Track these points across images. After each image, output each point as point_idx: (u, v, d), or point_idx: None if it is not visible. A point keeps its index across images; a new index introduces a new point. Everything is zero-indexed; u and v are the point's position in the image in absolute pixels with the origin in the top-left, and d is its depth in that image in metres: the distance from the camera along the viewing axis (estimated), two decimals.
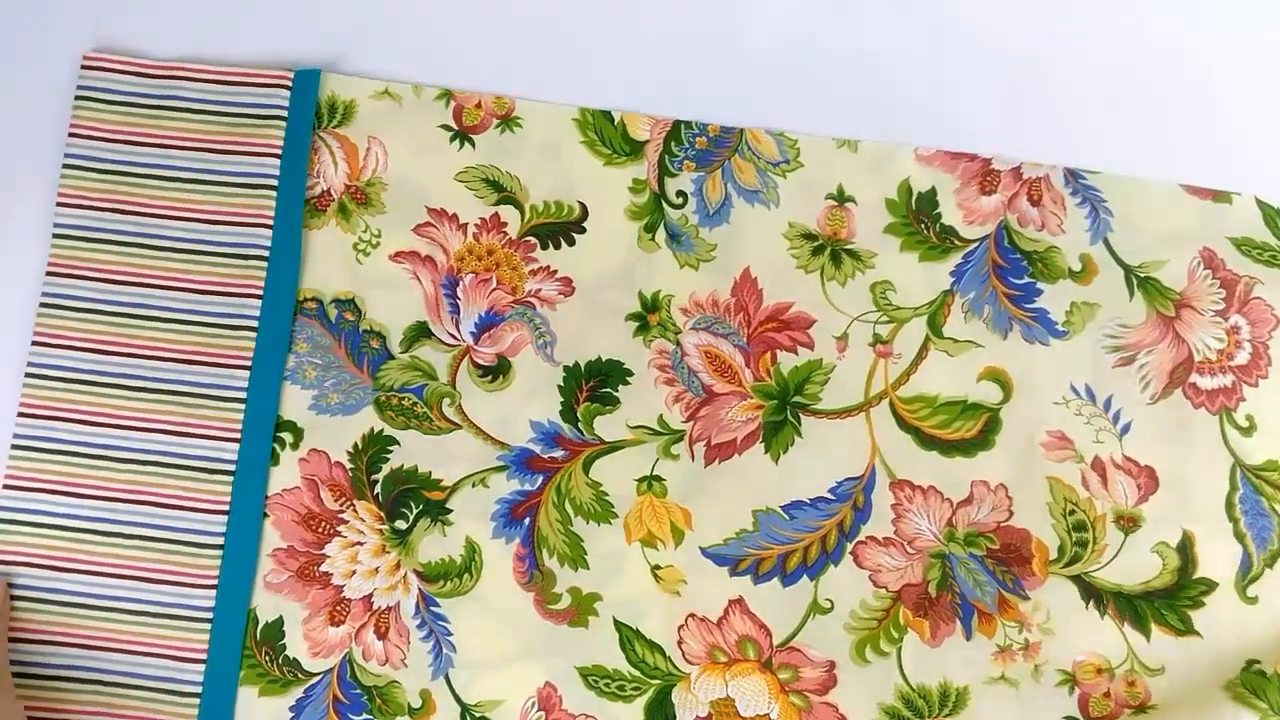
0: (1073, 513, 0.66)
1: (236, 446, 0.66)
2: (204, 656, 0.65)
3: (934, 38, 0.72)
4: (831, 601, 0.66)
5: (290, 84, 0.69)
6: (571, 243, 0.69)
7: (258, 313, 0.68)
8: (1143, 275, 0.68)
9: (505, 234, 0.69)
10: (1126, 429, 0.67)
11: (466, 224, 0.69)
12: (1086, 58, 0.72)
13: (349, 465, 0.67)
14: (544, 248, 0.69)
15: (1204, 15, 0.73)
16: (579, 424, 0.68)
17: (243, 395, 0.67)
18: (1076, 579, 0.65)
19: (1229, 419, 0.67)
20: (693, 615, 0.66)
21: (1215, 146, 0.71)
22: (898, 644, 0.65)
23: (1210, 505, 0.67)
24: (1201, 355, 0.67)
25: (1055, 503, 0.66)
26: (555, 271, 0.69)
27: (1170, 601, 0.65)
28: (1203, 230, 0.69)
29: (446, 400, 0.68)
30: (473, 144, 0.70)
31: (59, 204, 0.68)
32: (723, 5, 0.72)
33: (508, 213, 0.69)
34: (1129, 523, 0.66)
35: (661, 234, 0.69)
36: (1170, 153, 0.71)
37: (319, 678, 0.65)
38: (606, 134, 0.70)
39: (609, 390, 0.68)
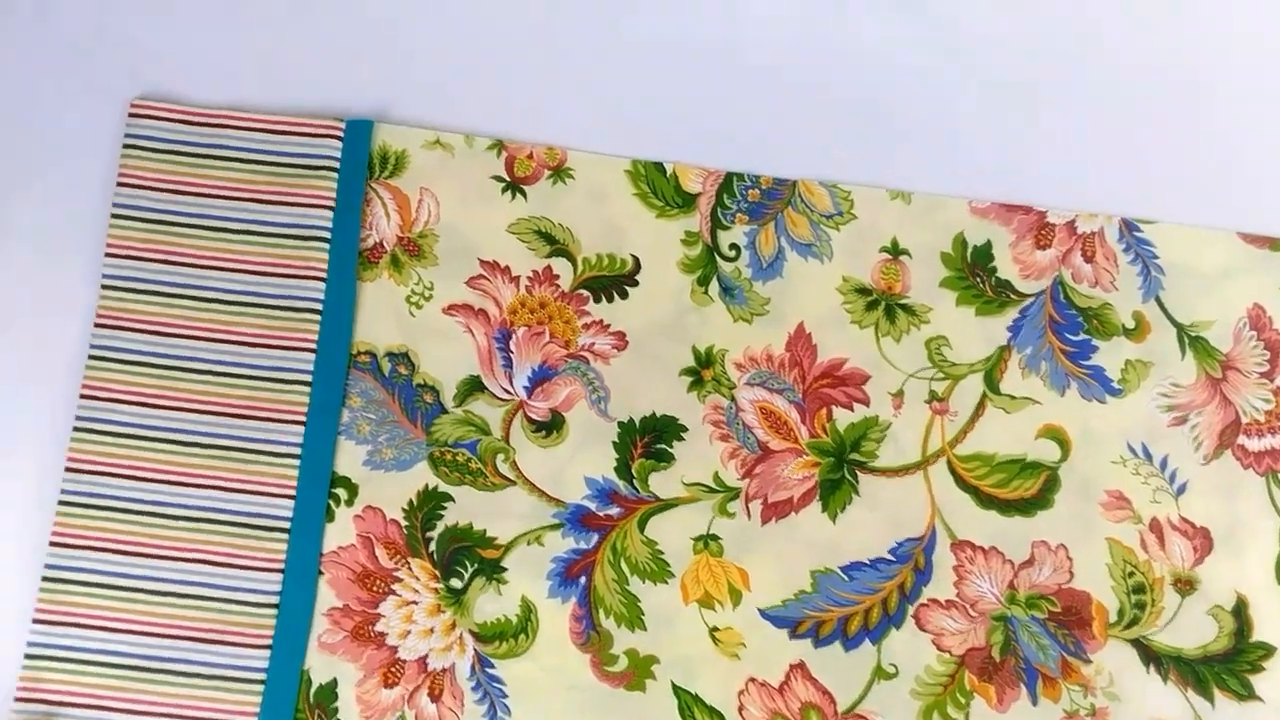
0: (1132, 574, 0.66)
1: (291, 503, 0.66)
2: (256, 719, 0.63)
3: (987, 88, 0.72)
4: (896, 666, 0.65)
5: (342, 134, 0.68)
6: (624, 296, 0.68)
7: (311, 367, 0.67)
8: (1193, 335, 0.68)
9: (558, 287, 0.68)
10: (1183, 489, 0.67)
11: (519, 276, 0.68)
12: (1146, 106, 0.72)
13: (404, 522, 0.66)
14: (597, 301, 0.68)
15: (1261, 62, 0.72)
16: (634, 481, 0.67)
17: (297, 451, 0.66)
18: (1135, 642, 0.65)
19: (1275, 480, 0.66)
20: (753, 680, 0.65)
21: (1272, 194, 0.71)
22: (965, 709, 0.65)
23: (1260, 566, 0.67)
24: (1249, 417, 0.67)
25: (1115, 564, 0.66)
26: (608, 325, 0.68)
27: (1230, 666, 0.65)
28: (1257, 280, 0.69)
29: (500, 456, 0.67)
30: (524, 195, 0.69)
31: (107, 254, 0.68)
32: (774, 58, 0.71)
33: (560, 265, 0.68)
34: (1186, 585, 0.66)
35: (715, 287, 0.68)
36: (1227, 201, 0.70)
37: None
38: (659, 185, 0.69)
39: (664, 446, 0.67)
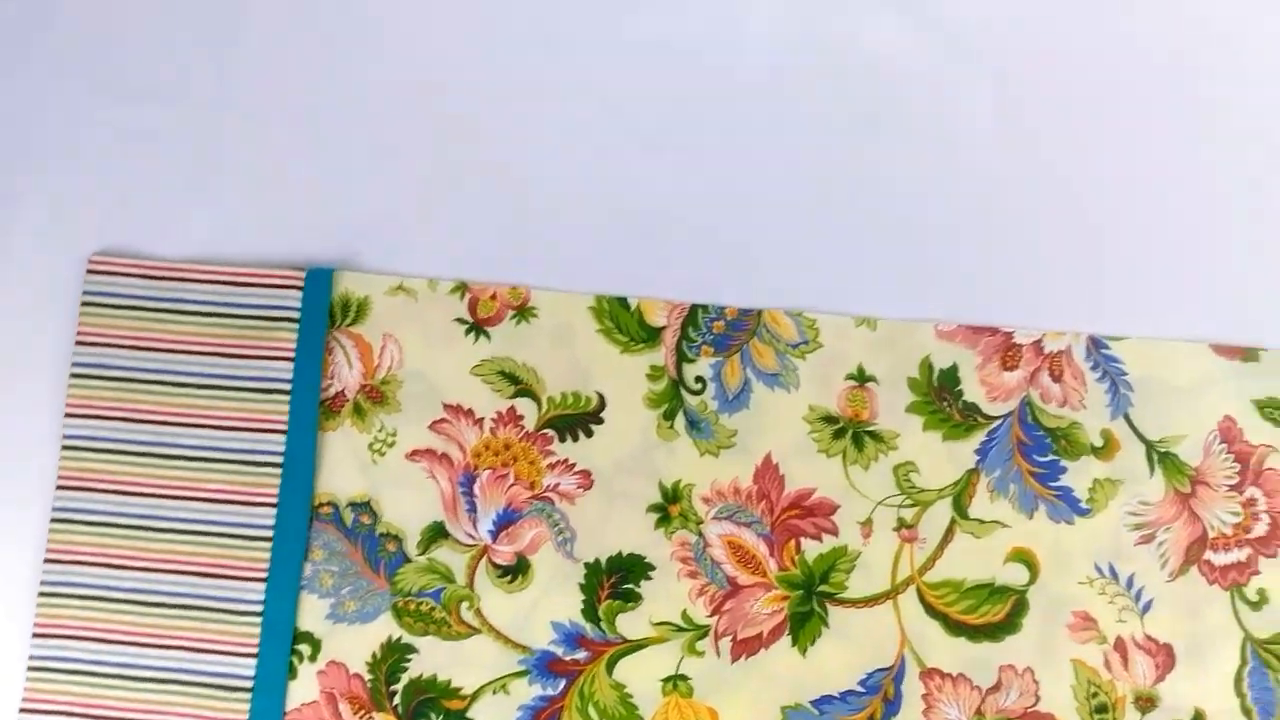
0: (1095, 695, 0.66)
1: (254, 662, 0.65)
2: None
3: (950, 211, 0.71)
4: None
5: (302, 284, 0.68)
6: (590, 434, 0.68)
7: (272, 521, 0.67)
8: (1162, 450, 0.67)
9: (522, 427, 0.68)
10: (1148, 607, 0.67)
11: (483, 418, 0.68)
12: (1110, 219, 0.72)
13: (368, 676, 0.66)
14: (562, 440, 0.68)
15: (1223, 171, 0.71)
16: (601, 623, 0.67)
17: (259, 609, 0.66)
18: None
19: (1239, 594, 0.67)
20: None
21: (1243, 303, 0.71)
22: None
23: (1220, 681, 0.67)
24: (1215, 531, 0.67)
25: (1079, 685, 0.67)
26: (574, 465, 0.68)
27: None
28: (1228, 391, 0.69)
29: (465, 603, 0.67)
30: (488, 336, 0.69)
31: (68, 415, 0.67)
32: (733, 185, 0.71)
33: (524, 405, 0.68)
34: (1146, 703, 0.67)
35: (681, 421, 0.68)
36: (1197, 313, 0.70)
37: None
38: (623, 321, 0.69)
39: (631, 586, 0.67)
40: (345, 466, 0.68)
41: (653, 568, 0.67)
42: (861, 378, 0.68)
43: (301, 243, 0.69)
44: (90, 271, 0.68)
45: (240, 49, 0.71)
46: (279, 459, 0.66)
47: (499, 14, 0.72)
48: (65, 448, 0.66)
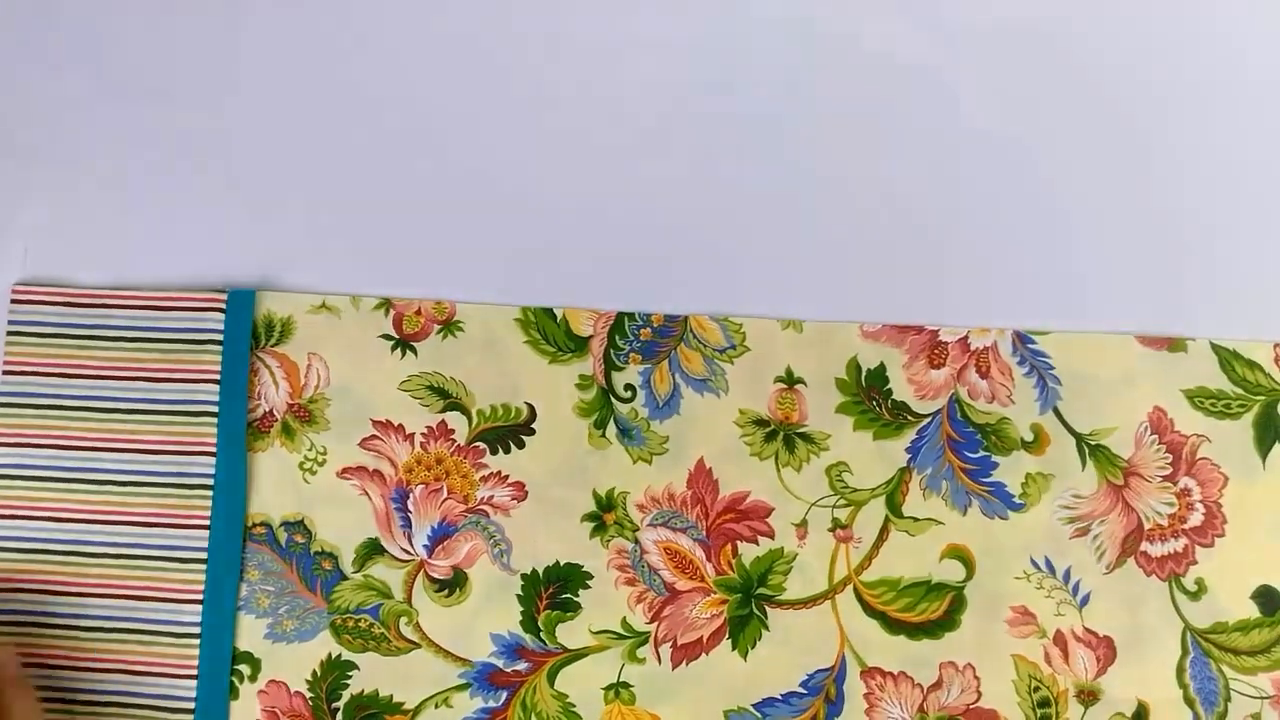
0: (1037, 689, 0.66)
1: (194, 684, 0.65)
2: None
3: (869, 211, 0.72)
4: None
5: (224, 306, 0.68)
6: (521, 445, 0.68)
7: (205, 544, 0.66)
8: (1093, 444, 0.68)
9: (453, 441, 0.68)
10: (1086, 600, 0.68)
11: (413, 434, 0.68)
12: (1032, 213, 0.72)
13: (309, 694, 0.66)
14: (494, 453, 0.68)
15: (1143, 157, 0.72)
16: (541, 633, 0.67)
17: (197, 630, 0.66)
18: None
19: (1178, 584, 0.67)
20: None
21: (1169, 294, 0.71)
22: None
23: (1162, 672, 0.67)
24: (1151, 522, 0.67)
25: (1020, 680, 0.67)
26: (507, 476, 0.68)
27: None
28: (1156, 383, 0.69)
29: (404, 619, 0.67)
30: (415, 351, 0.69)
31: None
32: (656, 196, 0.72)
33: (455, 419, 0.68)
34: (1089, 696, 0.67)
35: (612, 429, 0.68)
36: (1122, 304, 0.70)
37: None
38: (549, 331, 0.69)
39: (569, 595, 0.67)
40: (277, 487, 0.68)
41: (590, 576, 0.67)
42: (790, 380, 0.69)
43: (222, 264, 0.69)
44: (14, 301, 0.67)
45: (152, 72, 0.71)
46: (209, 481, 0.66)
47: (416, 26, 0.71)
48: None
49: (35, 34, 0.72)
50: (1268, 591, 0.68)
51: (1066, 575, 0.68)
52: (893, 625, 0.67)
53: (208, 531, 0.67)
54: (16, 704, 0.62)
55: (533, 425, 0.69)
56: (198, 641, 0.66)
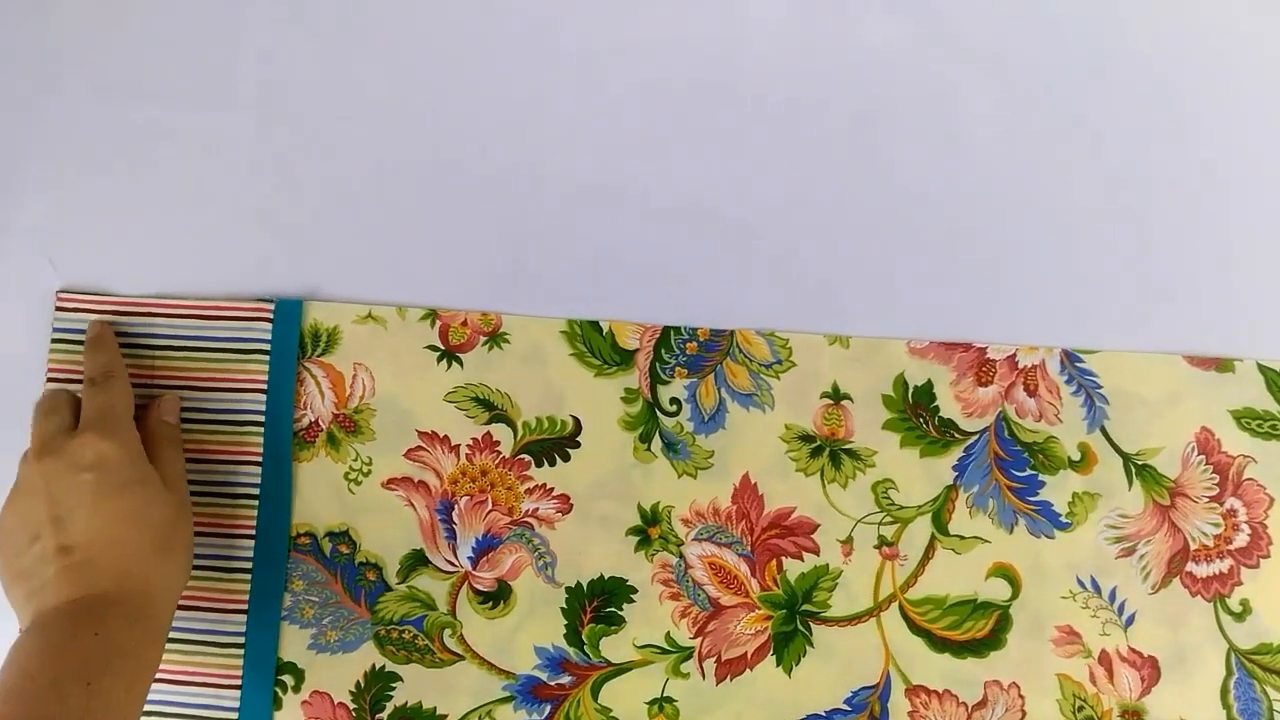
0: (1081, 709, 0.66)
1: (238, 694, 0.65)
2: None
3: (920, 228, 0.72)
4: None
5: (272, 315, 0.67)
6: (566, 458, 0.68)
7: (251, 553, 0.66)
8: (1140, 463, 0.67)
9: (499, 453, 0.68)
10: (1131, 620, 0.67)
11: (459, 445, 0.68)
12: (1081, 233, 0.72)
13: (352, 705, 0.66)
14: (539, 465, 0.68)
15: (1194, 182, 0.72)
16: (585, 647, 0.66)
17: (241, 640, 0.66)
18: None
19: (1223, 605, 0.67)
20: None
21: (1217, 314, 0.71)
22: None
23: (1206, 693, 0.67)
24: (1197, 543, 0.67)
25: (1065, 700, 0.66)
26: (551, 489, 0.68)
27: None
28: (1204, 402, 0.69)
29: (448, 630, 0.66)
30: (460, 363, 0.68)
31: None
32: (701, 207, 0.72)
33: (500, 431, 0.68)
34: (1133, 716, 0.67)
35: (657, 443, 0.68)
36: (1170, 324, 0.71)
37: None
38: (595, 344, 0.69)
39: (613, 609, 0.67)
40: (322, 497, 0.67)
41: (634, 590, 0.67)
42: (836, 395, 0.68)
43: (269, 273, 0.68)
44: (59, 309, 0.67)
45: (201, 81, 0.70)
46: (255, 490, 0.66)
47: (467, 41, 0.71)
48: None
49: (90, 38, 0.72)
50: None
51: (1112, 595, 0.67)
52: (938, 643, 0.67)
53: (253, 541, 0.67)
54: (167, 457, 0.64)
55: (578, 438, 0.68)
56: (241, 651, 0.66)
